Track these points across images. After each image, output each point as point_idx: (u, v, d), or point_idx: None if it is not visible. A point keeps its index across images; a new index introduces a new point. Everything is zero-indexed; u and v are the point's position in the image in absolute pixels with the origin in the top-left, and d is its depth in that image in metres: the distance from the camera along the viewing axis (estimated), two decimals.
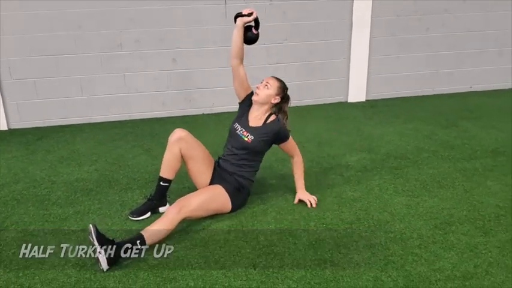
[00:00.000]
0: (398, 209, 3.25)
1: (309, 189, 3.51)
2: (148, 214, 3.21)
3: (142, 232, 2.77)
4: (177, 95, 5.34)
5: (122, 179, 3.82)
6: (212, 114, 5.45)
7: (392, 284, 2.50)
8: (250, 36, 3.25)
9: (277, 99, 3.25)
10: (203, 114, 5.45)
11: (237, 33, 3.20)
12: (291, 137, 3.31)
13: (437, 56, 5.94)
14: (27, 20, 4.78)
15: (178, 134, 3.17)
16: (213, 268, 2.66)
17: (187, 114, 5.41)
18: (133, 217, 3.17)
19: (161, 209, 3.25)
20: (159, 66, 5.19)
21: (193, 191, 3.16)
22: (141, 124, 5.15)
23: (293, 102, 3.47)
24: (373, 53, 5.71)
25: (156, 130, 4.94)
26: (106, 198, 3.50)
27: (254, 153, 3.26)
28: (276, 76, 3.35)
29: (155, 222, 2.85)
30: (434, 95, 6.04)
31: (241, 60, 3.28)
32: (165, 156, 3.20)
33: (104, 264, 2.60)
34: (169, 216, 2.85)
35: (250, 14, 3.17)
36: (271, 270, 2.62)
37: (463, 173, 3.77)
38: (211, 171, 3.29)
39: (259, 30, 3.28)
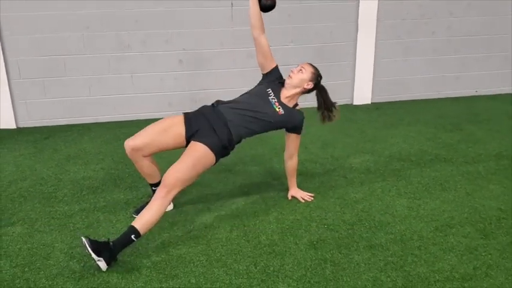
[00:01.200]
0: (400, 210, 3.28)
1: (312, 190, 3.56)
2: None
3: (134, 224, 2.71)
4: (183, 96, 5.38)
5: (127, 177, 3.87)
6: None
7: (391, 284, 2.52)
8: (264, 3, 3.22)
9: (310, 85, 3.24)
10: None
11: (252, 2, 3.19)
12: (300, 136, 3.34)
13: (443, 60, 5.95)
14: (36, 21, 4.85)
15: (128, 149, 3.09)
16: (215, 266, 2.70)
17: None
18: (137, 215, 3.20)
19: None
20: (165, 67, 5.24)
21: (199, 187, 3.16)
22: (148, 124, 5.16)
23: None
24: (378, 56, 5.73)
25: None
26: (111, 196, 3.55)
27: (270, 124, 3.17)
28: (311, 63, 3.34)
29: (144, 210, 2.78)
30: (439, 98, 6.05)
31: (262, 29, 3.23)
32: (138, 169, 3.19)
33: (104, 267, 2.65)
34: (158, 201, 2.77)
35: None
36: (271, 269, 2.66)
37: (465, 176, 3.79)
38: (183, 126, 3.06)
39: None
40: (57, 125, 5.18)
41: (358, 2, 5.46)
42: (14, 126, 5.09)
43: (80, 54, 5.02)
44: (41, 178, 3.88)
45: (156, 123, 3.16)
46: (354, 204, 3.38)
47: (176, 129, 3.07)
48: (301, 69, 3.24)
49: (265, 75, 3.36)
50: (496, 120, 5.15)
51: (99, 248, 2.64)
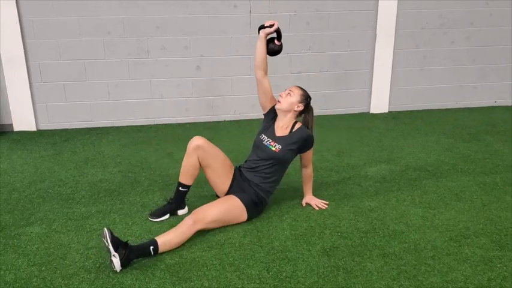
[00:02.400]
0: (414, 220, 3.26)
1: (327, 197, 3.57)
2: (167, 216, 3.29)
3: (157, 239, 2.83)
4: (200, 102, 5.43)
5: (144, 180, 3.92)
6: (234, 121, 5.53)
7: None
8: (272, 47, 3.29)
9: (300, 107, 3.28)
10: (225, 120, 5.54)
11: (260, 45, 3.26)
12: (312, 148, 3.37)
13: (462, 70, 5.92)
14: (58, 25, 4.95)
15: (196, 142, 3.19)
16: (228, 270, 2.71)
17: (210, 120, 5.51)
18: (152, 218, 3.26)
19: (180, 212, 3.34)
20: (183, 73, 5.30)
21: (211, 194, 3.23)
22: (165, 129, 5.26)
23: (315, 112, 3.49)
24: (396, 65, 5.72)
25: (179, 135, 5.04)
26: (128, 199, 3.59)
27: (281, 163, 3.28)
28: (298, 85, 3.39)
29: (170, 231, 2.91)
30: (457, 108, 6.01)
31: (265, 71, 3.32)
32: (183, 163, 3.26)
33: (118, 266, 2.68)
34: (184, 228, 2.91)
35: (272, 26, 3.22)
36: (284, 274, 2.67)
37: (482, 187, 3.76)
38: (231, 178, 3.31)
39: (281, 42, 3.32)
40: (76, 128, 5.26)
41: (377, 11, 5.47)
42: (34, 129, 5.19)
43: (100, 58, 5.10)
44: (60, 180, 3.95)
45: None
46: (368, 212, 3.37)
47: (230, 174, 3.32)
48: (289, 93, 3.27)
49: (265, 115, 3.44)
50: None
51: (118, 243, 2.71)
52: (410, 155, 4.47)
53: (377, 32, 5.54)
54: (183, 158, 4.27)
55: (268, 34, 3.26)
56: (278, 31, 3.27)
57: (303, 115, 3.35)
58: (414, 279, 2.62)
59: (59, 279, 2.64)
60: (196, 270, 2.71)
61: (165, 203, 3.36)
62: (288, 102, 3.25)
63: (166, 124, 5.41)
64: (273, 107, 3.36)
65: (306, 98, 3.30)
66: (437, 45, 5.76)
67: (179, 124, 5.41)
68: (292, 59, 5.44)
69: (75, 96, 5.19)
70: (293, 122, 3.31)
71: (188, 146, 3.23)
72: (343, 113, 5.76)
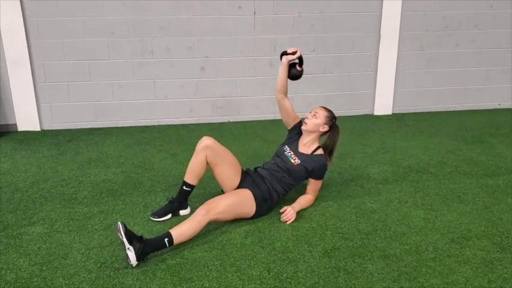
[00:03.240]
0: (416, 221, 3.26)
1: (328, 198, 3.58)
2: (169, 216, 3.30)
3: (171, 231, 2.86)
4: (204, 103, 5.45)
5: (147, 181, 3.93)
6: (238, 122, 5.54)
7: None
8: (294, 72, 3.44)
9: (325, 128, 3.41)
10: (229, 122, 5.54)
11: (282, 70, 3.42)
12: (321, 180, 3.47)
13: (466, 72, 5.90)
14: (62, 26, 4.97)
15: (205, 142, 3.26)
16: (228, 271, 2.72)
17: (214, 121, 5.52)
18: (154, 218, 3.27)
19: (182, 212, 3.35)
20: (187, 74, 5.31)
21: (214, 195, 3.24)
22: (169, 130, 5.27)
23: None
24: (400, 67, 5.72)
25: (182, 136, 5.05)
26: (130, 199, 3.60)
27: (294, 177, 3.39)
28: (324, 106, 3.51)
29: (183, 222, 2.94)
30: (461, 110, 6.00)
31: (286, 94, 3.48)
32: (191, 162, 3.29)
33: (133, 260, 2.70)
34: (197, 217, 2.94)
35: (294, 53, 3.37)
36: (284, 275, 2.67)
37: (484, 189, 3.75)
38: (239, 176, 3.37)
39: (302, 67, 3.47)
40: (80, 128, 5.28)
41: (381, 13, 5.46)
42: (38, 129, 5.21)
43: (104, 59, 5.13)
44: (62, 180, 3.96)
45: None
46: (370, 214, 3.37)
47: (238, 172, 3.39)
48: (315, 115, 3.41)
49: (290, 130, 3.59)
50: None
51: (132, 236, 2.75)
52: (413, 156, 4.46)
53: (381, 34, 5.54)
54: (186, 159, 4.28)
55: (290, 61, 3.41)
56: (300, 58, 3.42)
57: (328, 134, 3.49)
58: (415, 281, 2.61)
59: (59, 279, 2.65)
60: (197, 271, 2.72)
61: (167, 202, 3.36)
62: (314, 124, 3.39)
63: (170, 125, 5.43)
64: (297, 124, 3.53)
65: (331, 119, 3.42)
66: (441, 48, 5.75)
67: (183, 125, 5.42)
68: None
69: (79, 97, 5.21)
70: (316, 145, 3.45)
71: (197, 145, 3.28)
72: (347, 115, 5.76)
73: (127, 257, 2.72)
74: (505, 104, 6.11)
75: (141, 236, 2.81)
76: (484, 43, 5.83)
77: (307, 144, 3.44)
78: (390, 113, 5.86)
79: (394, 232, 3.12)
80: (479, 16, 5.71)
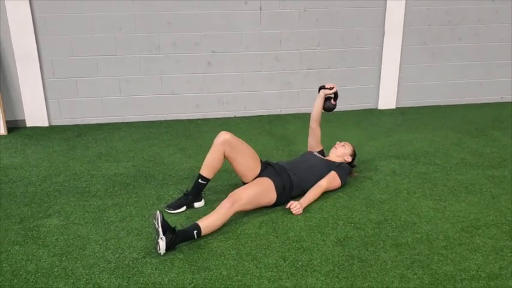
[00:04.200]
0: (426, 211, 3.32)
1: (339, 190, 3.64)
2: (184, 208, 3.36)
3: (199, 223, 2.95)
4: (211, 98, 5.50)
5: (158, 175, 3.98)
6: (244, 117, 5.59)
7: (418, 281, 2.58)
8: (329, 105, 3.86)
9: (349, 159, 3.82)
10: (235, 117, 5.60)
11: (319, 102, 3.84)
12: (340, 180, 3.63)
13: (469, 66, 5.97)
14: (70, 22, 5.01)
15: (223, 137, 3.32)
16: (245, 259, 2.78)
17: (220, 116, 5.57)
18: (169, 210, 3.33)
19: (196, 205, 3.41)
20: (194, 69, 5.36)
21: (228, 188, 3.30)
22: (176, 125, 5.32)
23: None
24: (404, 61, 5.78)
25: (190, 131, 5.11)
26: (143, 192, 3.66)
27: (318, 173, 3.57)
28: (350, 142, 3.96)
29: (210, 214, 3.03)
30: (464, 104, 6.06)
31: (319, 123, 3.90)
32: (208, 155, 3.35)
33: (163, 249, 2.78)
34: (223, 210, 3.03)
35: (331, 88, 3.78)
36: (300, 263, 2.74)
37: (491, 180, 3.82)
38: (259, 165, 3.46)
39: (337, 102, 3.86)
40: (88, 124, 5.33)
41: (385, 8, 5.52)
42: (46, 124, 5.26)
43: (112, 55, 5.17)
44: (74, 174, 4.01)
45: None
46: (380, 204, 3.43)
47: (258, 162, 3.49)
48: (344, 145, 3.86)
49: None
50: None
51: (166, 227, 2.83)
52: (419, 149, 4.52)
53: (385, 29, 5.60)
54: (195, 153, 4.36)
55: (327, 94, 3.82)
56: (336, 93, 3.82)
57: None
58: (428, 268, 2.68)
59: (80, 269, 2.71)
60: (215, 260, 2.78)
61: (182, 195, 3.42)
62: (342, 152, 3.82)
63: (176, 120, 5.48)
64: (320, 151, 3.92)
65: (354, 153, 3.89)
66: (444, 42, 5.81)
67: (189, 120, 5.47)
68: (302, 55, 5.49)
69: (87, 92, 5.26)
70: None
71: (215, 140, 3.34)
72: (351, 109, 5.82)
73: (157, 244, 2.79)
74: (507, 98, 6.17)
75: (175, 227, 2.89)
76: (486, 37, 5.89)
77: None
78: (394, 107, 5.92)
79: (404, 222, 3.19)
80: (482, 11, 5.77)
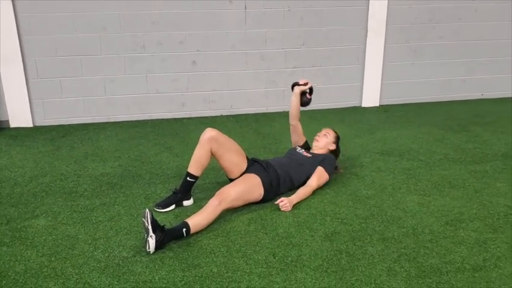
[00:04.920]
0: (411, 206, 3.39)
1: (326, 187, 3.68)
2: (173, 207, 3.37)
3: (188, 221, 2.96)
4: (197, 97, 5.51)
5: (145, 174, 3.98)
6: (230, 115, 5.62)
7: (405, 274, 2.63)
8: (305, 100, 3.87)
9: (333, 146, 3.83)
10: (221, 115, 5.62)
11: (295, 99, 3.84)
12: (327, 173, 3.63)
13: (450, 64, 6.07)
14: (54, 22, 4.98)
15: (209, 134, 3.35)
16: (235, 256, 2.81)
17: (206, 115, 5.58)
18: (158, 209, 3.34)
19: (185, 203, 3.42)
20: (179, 68, 5.37)
21: (216, 186, 3.32)
22: (161, 124, 5.32)
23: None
24: (387, 60, 5.86)
25: (176, 130, 5.11)
26: (130, 192, 3.66)
27: (305, 169, 3.60)
28: (331, 128, 3.97)
29: (198, 213, 3.04)
30: (446, 101, 6.17)
31: (299, 119, 3.91)
32: (195, 153, 3.37)
33: (152, 247, 2.79)
34: (211, 208, 3.04)
35: (305, 84, 3.81)
36: (289, 259, 2.77)
37: (473, 175, 3.90)
38: (246, 161, 3.49)
39: (312, 96, 3.88)
40: (73, 124, 5.30)
41: (368, 7, 5.59)
42: (31, 125, 5.22)
43: (96, 54, 5.15)
44: (61, 174, 4.00)
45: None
46: (366, 200, 3.49)
47: (244, 159, 3.52)
48: (325, 134, 3.85)
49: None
50: (501, 123, 5.27)
51: (156, 225, 2.83)
52: (403, 145, 4.60)
53: (368, 28, 5.67)
54: (182, 152, 4.36)
55: (302, 90, 3.83)
56: (311, 87, 3.85)
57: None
58: (414, 261, 2.74)
59: (69, 269, 2.70)
60: (205, 257, 2.80)
61: (171, 193, 3.44)
62: (325, 142, 3.82)
63: (162, 119, 5.48)
64: (305, 143, 3.94)
65: (338, 140, 3.89)
66: (426, 40, 5.91)
67: (175, 119, 5.48)
68: (287, 54, 5.54)
69: (72, 92, 5.23)
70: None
71: (201, 137, 3.36)
72: (336, 107, 5.88)
73: (147, 243, 2.79)
74: (488, 95, 6.30)
75: (164, 225, 2.90)
76: (467, 35, 6.00)
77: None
78: (377, 104, 6.00)
79: (390, 216, 3.24)
80: (462, 9, 5.88)
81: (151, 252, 2.80)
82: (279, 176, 3.47)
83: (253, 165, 3.50)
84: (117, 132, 5.05)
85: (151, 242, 2.78)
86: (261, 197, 3.36)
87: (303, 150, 3.80)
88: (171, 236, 2.89)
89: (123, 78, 5.28)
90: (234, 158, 3.43)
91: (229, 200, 3.14)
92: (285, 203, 3.31)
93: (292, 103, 3.86)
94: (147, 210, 2.83)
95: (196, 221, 2.98)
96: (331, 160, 3.73)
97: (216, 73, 5.46)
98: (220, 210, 3.10)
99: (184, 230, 2.92)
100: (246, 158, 3.52)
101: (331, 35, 5.62)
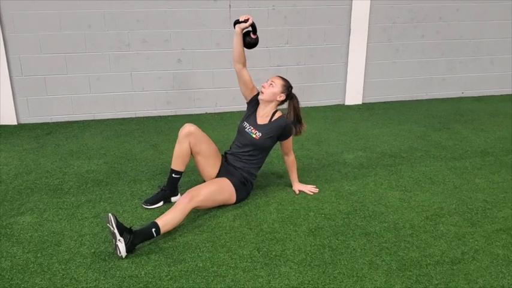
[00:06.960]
0: (392, 202, 3.47)
1: (309, 182, 3.74)
2: (161, 203, 3.41)
3: (157, 221, 2.93)
4: (182, 95, 5.53)
5: (131, 171, 4.01)
6: (215, 113, 5.65)
7: (386, 267, 2.71)
8: (249, 40, 3.42)
9: (282, 97, 3.44)
10: (206, 113, 5.65)
11: (237, 39, 3.39)
12: (290, 136, 3.49)
13: (431, 62, 6.18)
14: (38, 19, 4.97)
15: (188, 129, 3.34)
16: (220, 251, 2.86)
17: (191, 113, 5.61)
18: (146, 205, 3.37)
19: (173, 199, 3.46)
20: (164, 66, 5.39)
21: (200, 183, 3.36)
22: (147, 122, 5.34)
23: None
24: (369, 58, 5.94)
25: (161, 127, 5.14)
26: (116, 189, 3.68)
27: (261, 149, 3.46)
28: (280, 75, 3.55)
29: (168, 211, 3.01)
30: (427, 99, 6.28)
31: (244, 64, 3.48)
32: (175, 149, 3.38)
33: (123, 251, 2.77)
34: (181, 205, 3.01)
35: (246, 20, 3.32)
36: (273, 253, 2.83)
37: (453, 171, 4.00)
38: (219, 164, 3.47)
39: (257, 34, 3.44)
40: (57, 122, 5.29)
41: (351, 6, 5.66)
42: (15, 123, 5.20)
43: (81, 52, 5.15)
44: (46, 171, 4.00)
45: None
46: (349, 195, 3.56)
47: (219, 161, 3.51)
48: (271, 84, 3.43)
49: (248, 103, 3.60)
50: (481, 120, 5.39)
51: (122, 228, 2.80)
52: (385, 143, 4.68)
53: (351, 27, 5.74)
54: (167, 149, 4.39)
55: (243, 29, 3.37)
56: (253, 25, 3.37)
57: (286, 103, 3.51)
58: (395, 255, 2.82)
59: (55, 265, 2.73)
60: (190, 252, 2.84)
61: (159, 190, 3.47)
62: (270, 93, 3.41)
63: (147, 117, 5.49)
64: (255, 96, 3.53)
65: (288, 88, 3.45)
66: (408, 39, 6.00)
67: (161, 117, 5.50)
68: (271, 52, 5.59)
69: (56, 90, 5.22)
70: (273, 111, 3.46)
71: (180, 132, 3.36)
72: (319, 105, 5.95)
73: (116, 248, 2.77)
74: (468, 93, 6.42)
75: (131, 227, 2.87)
76: (448, 34, 6.11)
77: (265, 115, 3.46)
78: (360, 102, 6.08)
79: (372, 212, 3.32)
80: (443, 9, 5.98)
81: (123, 257, 2.78)
82: (245, 175, 3.42)
83: (221, 167, 3.47)
84: (102, 130, 5.05)
85: (121, 246, 2.76)
86: (234, 199, 3.37)
87: (251, 127, 3.45)
88: (140, 237, 2.86)
89: (108, 76, 5.29)
90: (209, 160, 3.42)
91: (200, 198, 3.10)
92: (309, 189, 3.57)
93: (234, 44, 3.41)
94: (110, 214, 2.80)
95: (166, 220, 2.94)
96: (286, 128, 3.41)
97: (201, 71, 5.49)
98: (190, 209, 3.05)
99: (153, 230, 2.88)
100: (220, 161, 3.50)
101: (315, 33, 5.69)
